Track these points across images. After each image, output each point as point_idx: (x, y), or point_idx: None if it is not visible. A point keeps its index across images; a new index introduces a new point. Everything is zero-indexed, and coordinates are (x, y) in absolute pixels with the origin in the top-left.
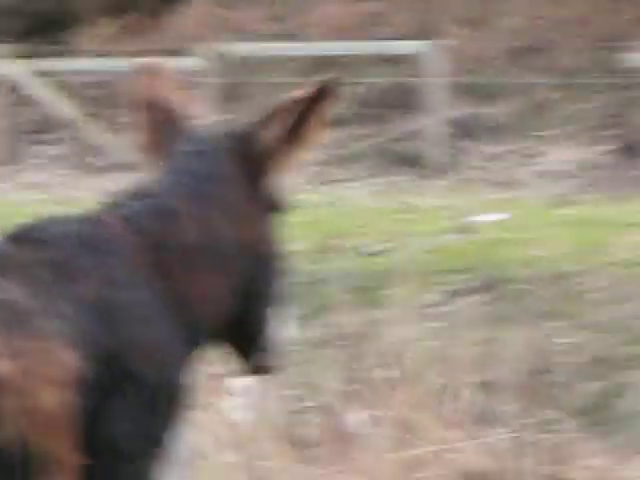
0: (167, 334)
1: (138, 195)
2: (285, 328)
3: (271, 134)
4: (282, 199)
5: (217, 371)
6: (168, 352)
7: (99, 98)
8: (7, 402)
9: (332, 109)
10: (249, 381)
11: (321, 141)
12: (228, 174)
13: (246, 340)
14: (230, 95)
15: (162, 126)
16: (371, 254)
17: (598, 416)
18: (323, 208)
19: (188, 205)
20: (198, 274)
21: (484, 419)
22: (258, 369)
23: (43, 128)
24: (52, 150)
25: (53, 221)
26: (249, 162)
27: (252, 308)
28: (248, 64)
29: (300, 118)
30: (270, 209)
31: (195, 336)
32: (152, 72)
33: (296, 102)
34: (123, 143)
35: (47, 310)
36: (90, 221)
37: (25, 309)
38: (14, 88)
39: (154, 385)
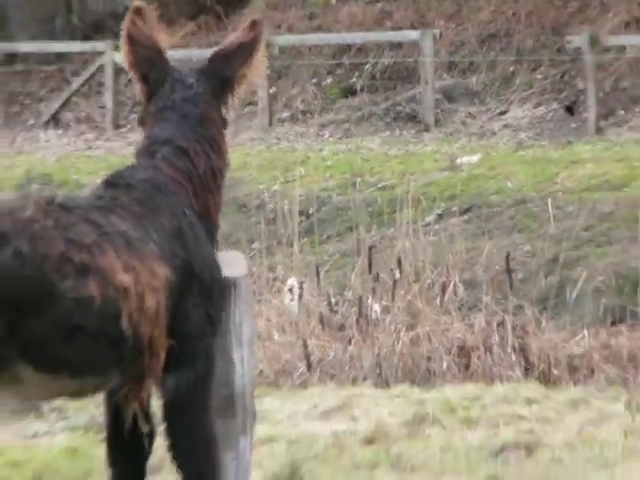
0: (209, 243)
1: (163, 142)
2: None
3: (233, 72)
4: (227, 119)
5: (274, 275)
6: (212, 256)
7: None
8: (126, 304)
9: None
10: (297, 281)
11: (263, 70)
12: (210, 115)
13: None
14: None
15: (146, 61)
16: (382, 188)
17: (551, 302)
18: (346, 155)
19: (194, 145)
20: (210, 194)
21: (467, 306)
22: None
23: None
24: None
25: (132, 170)
26: (220, 99)
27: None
28: (288, 51)
29: (250, 56)
30: (225, 128)
31: (215, 239)
32: (137, 11)
33: (243, 44)
34: None
35: (144, 237)
36: (152, 168)
37: (131, 237)
38: (121, 71)
39: (209, 281)
